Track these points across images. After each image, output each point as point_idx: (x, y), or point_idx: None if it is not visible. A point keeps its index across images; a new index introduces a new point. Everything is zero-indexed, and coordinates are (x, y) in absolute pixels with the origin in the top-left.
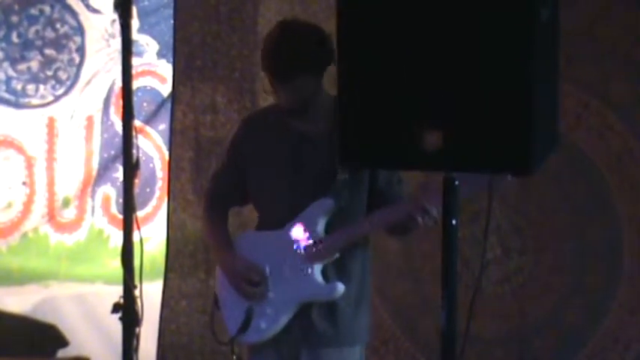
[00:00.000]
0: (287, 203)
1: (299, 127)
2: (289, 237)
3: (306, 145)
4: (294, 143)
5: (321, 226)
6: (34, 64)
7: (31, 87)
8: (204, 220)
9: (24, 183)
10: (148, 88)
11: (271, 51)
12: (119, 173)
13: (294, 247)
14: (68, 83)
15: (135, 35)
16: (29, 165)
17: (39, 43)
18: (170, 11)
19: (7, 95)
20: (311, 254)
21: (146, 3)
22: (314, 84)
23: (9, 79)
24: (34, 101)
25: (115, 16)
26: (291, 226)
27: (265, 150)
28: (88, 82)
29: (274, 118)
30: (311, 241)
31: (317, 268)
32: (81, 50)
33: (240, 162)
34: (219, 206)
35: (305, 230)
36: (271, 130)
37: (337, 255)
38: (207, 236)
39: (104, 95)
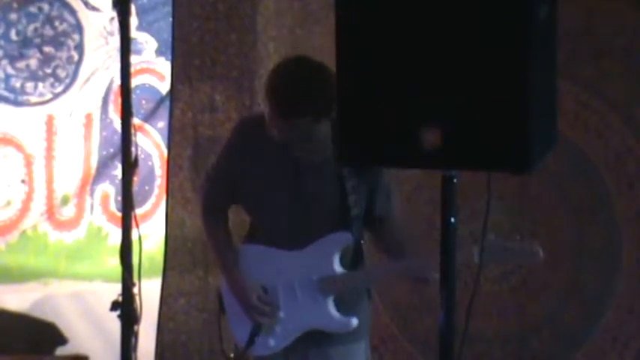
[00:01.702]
0: (289, 228)
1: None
2: (304, 263)
3: (306, 169)
4: (293, 167)
5: (337, 260)
6: (33, 62)
7: (29, 85)
8: (205, 228)
9: (23, 181)
10: (147, 85)
11: (282, 86)
12: (118, 171)
13: (309, 274)
14: (67, 81)
15: (133, 33)
16: (28, 163)
17: (38, 40)
18: (169, 9)
19: (5, 93)
20: (327, 287)
21: (145, 0)
22: (311, 127)
23: (8, 76)
24: (33, 99)
25: (114, 14)
26: (305, 254)
27: (263, 167)
28: (87, 80)
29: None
30: (328, 275)
31: (331, 300)
32: (79, 48)
33: (233, 172)
34: (217, 212)
35: (320, 261)
36: (268, 146)
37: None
38: (210, 247)
39: (103, 93)
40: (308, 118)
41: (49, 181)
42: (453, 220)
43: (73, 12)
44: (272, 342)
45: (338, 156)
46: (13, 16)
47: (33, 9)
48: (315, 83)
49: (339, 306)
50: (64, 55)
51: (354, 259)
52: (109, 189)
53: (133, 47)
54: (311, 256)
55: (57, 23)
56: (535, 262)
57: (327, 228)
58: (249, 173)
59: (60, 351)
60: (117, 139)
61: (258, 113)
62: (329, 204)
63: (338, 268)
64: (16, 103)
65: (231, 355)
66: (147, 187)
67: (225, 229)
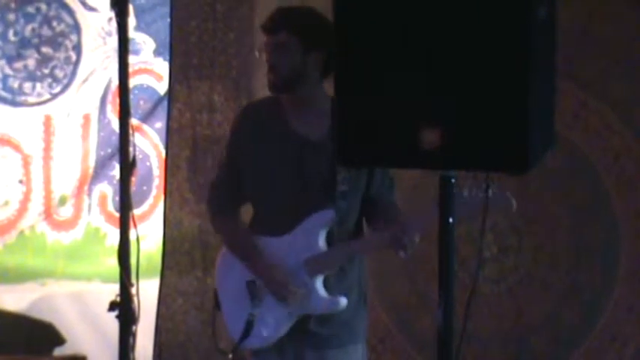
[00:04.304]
0: (288, 209)
1: (300, 130)
2: (291, 247)
3: (308, 149)
4: (296, 147)
5: (322, 239)
6: (31, 62)
7: (27, 85)
8: (219, 230)
9: (20, 181)
10: (145, 86)
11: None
12: (116, 171)
13: (296, 258)
14: (65, 81)
15: (131, 33)
16: (26, 163)
17: (35, 41)
18: (166, 9)
19: (3, 93)
20: (312, 267)
21: (143, 1)
22: (299, 55)
23: (6, 77)
24: (31, 99)
25: (112, 14)
26: (293, 236)
27: (265, 149)
28: (85, 80)
29: (274, 116)
30: (312, 255)
31: (319, 281)
32: (77, 48)
33: (239, 159)
34: (230, 211)
35: (306, 242)
36: (271, 129)
37: (337, 268)
38: (230, 246)
39: (101, 93)
40: (285, 33)
41: (47, 182)
42: (451, 219)
43: (71, 12)
44: (264, 332)
45: (337, 156)
46: (11, 17)
47: (31, 9)
48: (297, 9)
49: (328, 287)
50: (61, 55)
51: (341, 237)
52: (107, 189)
53: (130, 47)
54: (298, 238)
55: (55, 24)
56: (509, 205)
57: (316, 207)
58: (254, 155)
59: (58, 351)
60: (115, 139)
61: (261, 99)
62: (323, 182)
63: (323, 247)
64: (14, 104)
65: (230, 356)
66: (145, 188)
67: (242, 227)
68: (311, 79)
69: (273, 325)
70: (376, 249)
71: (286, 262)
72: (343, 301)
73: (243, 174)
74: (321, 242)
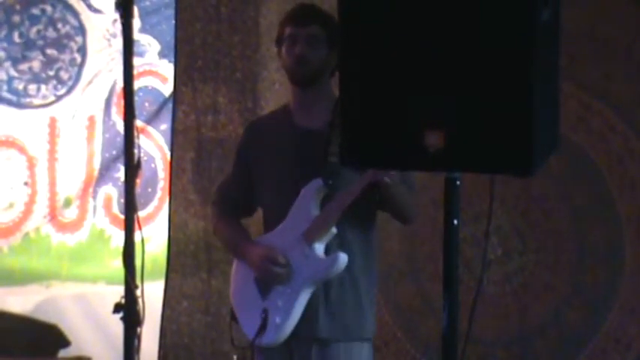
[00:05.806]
0: (289, 199)
1: (302, 122)
2: (289, 227)
3: (307, 138)
4: (299, 139)
5: (314, 208)
6: (36, 64)
7: (32, 87)
8: (218, 227)
9: (25, 183)
10: (150, 88)
11: (294, 7)
12: (120, 173)
13: (294, 234)
14: (70, 83)
15: (136, 35)
16: (31, 165)
17: (40, 42)
18: (171, 11)
19: (8, 95)
20: (309, 235)
21: (147, 3)
22: (326, 50)
23: (11, 79)
24: (36, 101)
25: (117, 16)
26: (289, 216)
27: (271, 150)
28: (90, 82)
29: (280, 120)
30: (306, 224)
31: (318, 247)
32: (82, 50)
33: (246, 167)
34: (230, 214)
35: (301, 216)
36: (276, 131)
37: (334, 230)
38: (225, 240)
39: (106, 95)
40: (317, 26)
41: (52, 184)
42: (455, 222)
43: (75, 14)
44: (278, 319)
45: (340, 158)
46: (16, 19)
47: (36, 11)
48: (319, 7)
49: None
50: (66, 57)
51: (347, 217)
52: (112, 191)
53: (135, 49)
54: (293, 216)
55: (60, 25)
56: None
57: None
58: (260, 163)
59: (63, 353)
60: (119, 141)
61: (265, 113)
62: (321, 169)
63: (316, 214)
64: (19, 106)
65: (235, 357)
66: (149, 190)
67: (240, 224)
68: (326, 76)
69: (283, 308)
70: (362, 188)
71: (286, 241)
72: (342, 257)
73: (253, 184)
74: (314, 211)
